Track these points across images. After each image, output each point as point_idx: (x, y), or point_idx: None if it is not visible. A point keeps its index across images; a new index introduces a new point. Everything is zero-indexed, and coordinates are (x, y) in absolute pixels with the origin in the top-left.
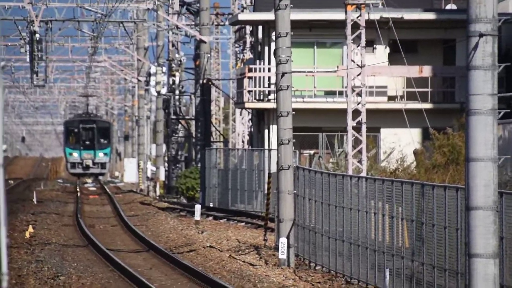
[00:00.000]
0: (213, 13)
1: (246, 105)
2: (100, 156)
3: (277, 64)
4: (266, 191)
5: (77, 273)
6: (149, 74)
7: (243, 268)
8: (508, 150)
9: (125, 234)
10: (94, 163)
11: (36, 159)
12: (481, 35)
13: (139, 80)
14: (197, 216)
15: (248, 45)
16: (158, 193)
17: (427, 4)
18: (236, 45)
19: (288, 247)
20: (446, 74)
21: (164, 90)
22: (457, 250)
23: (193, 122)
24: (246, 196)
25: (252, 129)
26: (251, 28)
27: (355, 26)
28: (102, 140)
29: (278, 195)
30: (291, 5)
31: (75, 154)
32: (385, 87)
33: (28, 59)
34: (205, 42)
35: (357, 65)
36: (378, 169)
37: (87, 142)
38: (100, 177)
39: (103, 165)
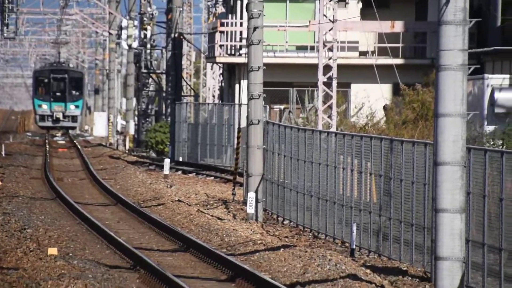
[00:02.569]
0: None
1: (218, 59)
2: (72, 108)
3: (249, 19)
4: (235, 146)
5: (44, 225)
6: (120, 28)
7: (211, 222)
8: (477, 106)
9: (93, 187)
10: (64, 116)
11: (5, 112)
12: None
13: (110, 34)
14: (166, 170)
15: None
16: (127, 147)
17: None
18: None
19: (256, 201)
20: (417, 29)
21: (135, 44)
22: (424, 205)
23: (164, 76)
24: (216, 150)
25: (223, 84)
26: None
27: None
28: (73, 92)
29: (247, 150)
30: None
31: (45, 106)
32: (357, 42)
33: None
34: None
35: (329, 20)
36: (347, 125)
37: (58, 94)
38: (71, 131)
39: (74, 118)
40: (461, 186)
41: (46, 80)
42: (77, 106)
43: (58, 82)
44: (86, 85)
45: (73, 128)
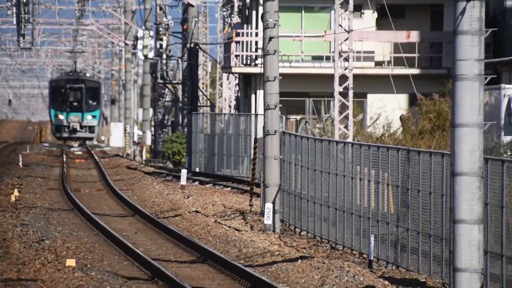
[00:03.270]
0: None
1: (233, 69)
2: (88, 118)
3: (265, 29)
4: (252, 156)
5: (62, 237)
6: (136, 38)
7: (228, 233)
8: (494, 116)
9: (110, 198)
10: (81, 126)
11: (22, 123)
12: (468, 0)
13: (126, 44)
14: (183, 181)
15: (236, 9)
16: (144, 158)
17: None
18: (224, 9)
19: (274, 212)
20: (433, 39)
21: (151, 54)
22: (442, 216)
23: (180, 87)
24: (232, 161)
25: (239, 94)
26: None
27: None
28: (90, 102)
29: (264, 161)
30: None
31: (61, 117)
32: (372, 52)
33: (15, 22)
34: (193, 6)
35: (345, 30)
36: (364, 135)
37: (75, 104)
38: (88, 142)
39: (91, 129)
40: (478, 197)
41: (62, 90)
42: (94, 116)
43: (74, 91)
44: (103, 95)
45: (91, 138)
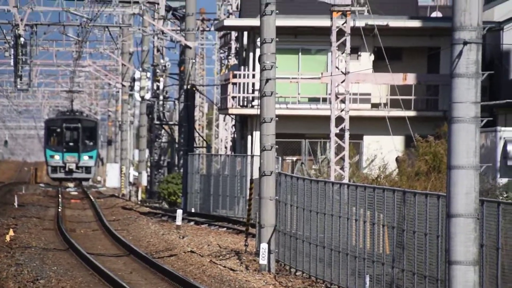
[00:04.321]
0: (198, 18)
1: (230, 111)
2: (85, 159)
3: (262, 70)
4: (248, 197)
5: (57, 276)
6: (133, 79)
7: (223, 273)
8: (490, 158)
9: (106, 238)
10: (78, 167)
11: (18, 163)
12: (465, 43)
13: (123, 85)
14: (179, 221)
15: (233, 51)
16: (140, 198)
17: (412, 12)
18: (221, 51)
19: (269, 252)
20: (430, 82)
21: (148, 96)
22: (438, 257)
23: (176, 128)
24: (228, 201)
25: (235, 135)
26: (236, 34)
27: (340, 33)
28: (87, 142)
29: (259, 201)
30: (277, 11)
31: (57, 157)
32: (369, 94)
33: (12, 63)
34: (190, 48)
35: (342, 72)
36: (360, 176)
37: (71, 144)
38: (84, 182)
39: (88, 169)
40: (474, 238)
41: (58, 130)
42: (90, 157)
43: (71, 131)
44: (100, 135)
45: (87, 179)
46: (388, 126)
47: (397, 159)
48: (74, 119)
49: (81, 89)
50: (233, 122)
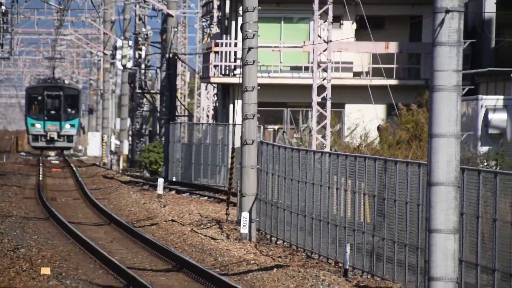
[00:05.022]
0: None
1: (212, 79)
2: (67, 127)
3: (244, 39)
4: (229, 166)
5: (37, 245)
6: (115, 48)
7: (204, 242)
8: (471, 126)
9: (87, 207)
10: (59, 136)
11: None
12: (447, 11)
13: (105, 54)
14: (160, 190)
15: (215, 19)
16: (121, 167)
17: None
18: (203, 19)
19: (250, 221)
20: (412, 50)
21: (130, 64)
22: (418, 225)
23: (158, 97)
24: (210, 170)
25: (217, 104)
26: (218, 3)
27: (323, 1)
28: (69, 110)
29: (241, 170)
30: None
31: (38, 125)
32: (351, 63)
33: None
34: (172, 16)
35: (324, 40)
36: (341, 145)
37: (52, 112)
38: (65, 151)
39: (69, 138)
40: (454, 207)
41: (39, 98)
42: (72, 125)
43: (52, 99)
44: (82, 103)
45: (69, 148)
46: (370, 94)
47: (378, 128)
48: (56, 87)
49: (63, 57)
50: (215, 91)
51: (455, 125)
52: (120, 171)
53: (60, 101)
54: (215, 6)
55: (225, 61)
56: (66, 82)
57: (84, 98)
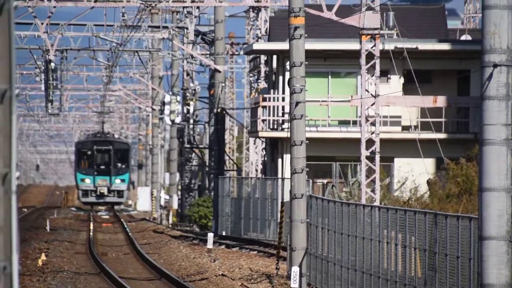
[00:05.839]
0: (228, 42)
1: (260, 134)
2: (117, 182)
3: (291, 94)
4: (279, 220)
5: None
6: (163, 103)
7: None
8: None
9: (137, 262)
10: (109, 191)
11: (50, 187)
12: (495, 66)
13: (153, 109)
14: (210, 245)
15: (262, 74)
16: (171, 222)
17: (441, 35)
18: (251, 74)
19: (300, 276)
20: (460, 104)
21: (178, 119)
22: (470, 280)
23: (207, 151)
24: (259, 224)
25: (265, 158)
26: (265, 58)
27: (370, 56)
28: (119, 164)
29: (290, 224)
30: (306, 35)
31: (88, 181)
32: (399, 117)
33: (43, 88)
34: (219, 72)
35: (371, 94)
36: (391, 199)
37: (102, 167)
38: (115, 206)
39: (120, 193)
40: (507, 261)
41: (89, 152)
42: (123, 180)
43: (102, 154)
44: (131, 158)
45: (119, 203)
46: (419, 148)
47: (428, 182)
48: (105, 141)
49: (112, 111)
50: (263, 145)
51: (505, 179)
52: (170, 225)
53: (110, 155)
54: (262, 61)
55: (273, 115)
56: (116, 136)
57: (133, 153)
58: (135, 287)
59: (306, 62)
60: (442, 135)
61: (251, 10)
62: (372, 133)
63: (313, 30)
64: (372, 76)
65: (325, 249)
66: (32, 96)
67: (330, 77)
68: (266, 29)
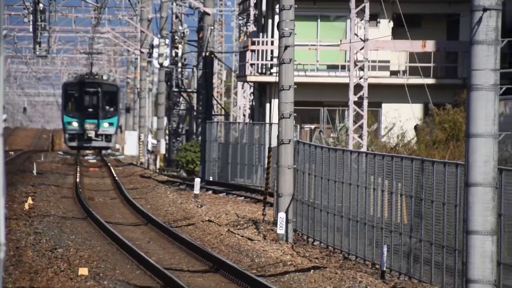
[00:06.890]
0: None
1: (248, 78)
2: (105, 126)
3: (280, 37)
4: (266, 166)
5: (75, 245)
6: (152, 46)
7: (241, 242)
8: (509, 126)
9: (124, 207)
10: (97, 135)
11: (37, 131)
12: (485, 10)
13: (141, 52)
14: (197, 190)
15: (251, 17)
16: (158, 166)
17: None
18: (240, 17)
19: (287, 222)
20: (449, 49)
21: (166, 63)
22: (455, 226)
23: (194, 95)
24: (246, 170)
25: (253, 103)
26: (255, 1)
27: None
28: (107, 107)
29: (277, 170)
30: None
31: (75, 124)
32: (388, 61)
33: (31, 29)
34: (208, 14)
35: (360, 39)
36: (378, 145)
37: (90, 109)
38: (103, 150)
39: (108, 137)
40: (492, 208)
41: (76, 94)
42: (111, 124)
43: (90, 96)
44: (120, 101)
45: (107, 148)
46: (407, 93)
47: (415, 127)
48: (94, 83)
49: (100, 52)
50: (252, 90)
51: (492, 125)
52: (157, 170)
53: (98, 98)
54: (252, 4)
55: (262, 59)
56: (105, 78)
57: (121, 96)
58: (122, 232)
59: (296, 6)
60: (430, 80)
61: None
62: (361, 78)
63: None
64: (361, 20)
65: (311, 195)
66: (20, 38)
67: (319, 20)
68: None
